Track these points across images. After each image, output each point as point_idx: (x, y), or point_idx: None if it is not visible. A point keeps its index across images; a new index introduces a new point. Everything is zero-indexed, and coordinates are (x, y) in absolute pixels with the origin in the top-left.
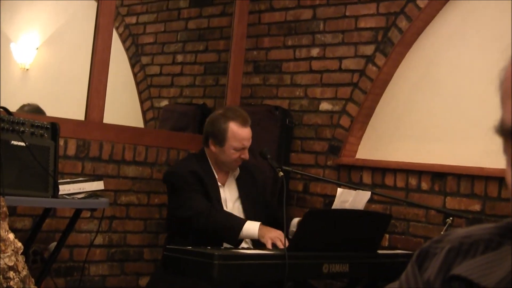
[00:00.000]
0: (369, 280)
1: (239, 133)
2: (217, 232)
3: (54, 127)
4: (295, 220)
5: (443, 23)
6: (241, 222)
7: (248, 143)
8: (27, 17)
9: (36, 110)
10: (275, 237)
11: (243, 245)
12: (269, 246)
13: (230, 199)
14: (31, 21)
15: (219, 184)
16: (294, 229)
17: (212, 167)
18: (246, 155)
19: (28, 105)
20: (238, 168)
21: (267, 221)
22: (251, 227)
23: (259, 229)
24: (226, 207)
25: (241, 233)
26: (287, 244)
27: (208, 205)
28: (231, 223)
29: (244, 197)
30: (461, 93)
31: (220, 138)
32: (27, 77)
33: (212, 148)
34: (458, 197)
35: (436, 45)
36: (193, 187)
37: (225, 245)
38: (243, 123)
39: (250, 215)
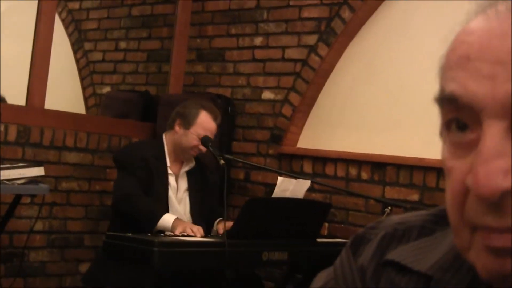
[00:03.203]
0: (309, 268)
1: (207, 122)
2: (137, 218)
3: None
4: (216, 221)
5: (386, 14)
6: (160, 213)
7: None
8: None
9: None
10: (185, 226)
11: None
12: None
13: (180, 188)
14: None
15: (170, 172)
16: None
17: (167, 155)
18: (203, 148)
19: None
20: (193, 162)
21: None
22: (167, 219)
23: (173, 221)
24: (177, 196)
25: (158, 224)
26: (201, 232)
27: (137, 190)
28: (151, 212)
29: (191, 190)
30: (402, 84)
31: (188, 120)
32: None
33: (177, 128)
34: (397, 187)
35: (379, 36)
36: (134, 170)
37: (166, 232)
38: (214, 117)
39: (194, 208)
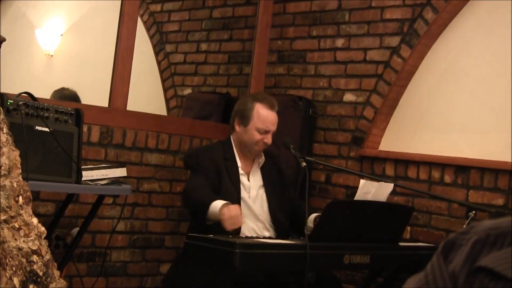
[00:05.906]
0: (390, 272)
1: (264, 114)
2: (195, 208)
3: (78, 113)
4: (312, 216)
5: (470, 15)
6: (211, 200)
7: (272, 127)
8: (52, 3)
9: (73, 96)
10: (233, 223)
11: (265, 233)
12: (228, 229)
13: (253, 186)
14: (56, 7)
15: (242, 172)
16: (311, 225)
17: (237, 154)
18: (269, 140)
19: (68, 89)
20: (263, 156)
21: (289, 214)
22: (216, 205)
23: (220, 207)
24: (250, 195)
25: (208, 211)
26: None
27: (201, 184)
28: (204, 200)
29: (267, 185)
30: (486, 86)
31: (245, 117)
32: (51, 64)
33: (237, 128)
34: (481, 190)
35: (462, 38)
36: (203, 170)
37: (246, 234)
38: (270, 106)
39: (274, 204)
